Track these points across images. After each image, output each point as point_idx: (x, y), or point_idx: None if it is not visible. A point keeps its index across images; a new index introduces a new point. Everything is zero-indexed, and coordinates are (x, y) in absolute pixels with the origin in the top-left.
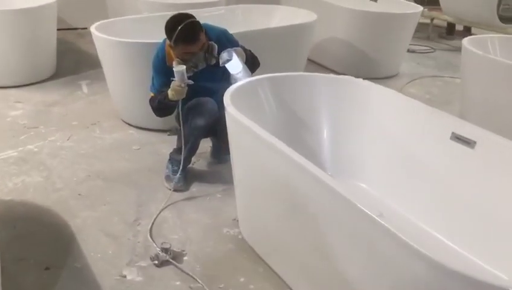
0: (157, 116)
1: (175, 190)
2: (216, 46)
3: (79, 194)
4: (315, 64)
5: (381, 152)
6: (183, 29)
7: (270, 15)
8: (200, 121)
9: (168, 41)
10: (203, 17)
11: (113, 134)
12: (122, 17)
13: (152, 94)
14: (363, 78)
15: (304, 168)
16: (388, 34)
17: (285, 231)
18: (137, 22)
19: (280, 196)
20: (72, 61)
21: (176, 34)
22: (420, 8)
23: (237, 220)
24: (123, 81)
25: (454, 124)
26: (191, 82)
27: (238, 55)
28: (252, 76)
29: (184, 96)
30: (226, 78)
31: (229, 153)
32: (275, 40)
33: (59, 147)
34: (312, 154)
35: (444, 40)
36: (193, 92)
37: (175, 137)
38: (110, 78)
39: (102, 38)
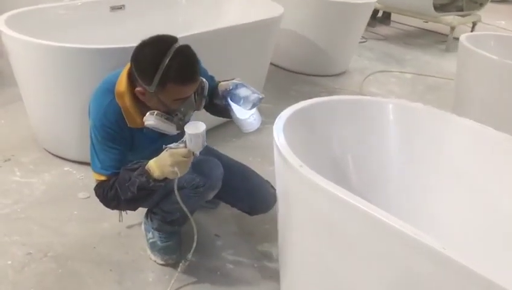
0: (118, 209)
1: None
2: (207, 83)
3: None
4: None
5: (462, 204)
6: (176, 59)
7: (218, 5)
8: (212, 194)
9: (124, 88)
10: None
11: (42, 175)
12: (42, 6)
13: (103, 177)
14: (313, 75)
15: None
16: (342, 26)
17: None
18: (62, 12)
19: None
20: None
21: (164, 69)
22: None
23: None
24: (52, 99)
25: None
26: (206, 143)
27: (250, 89)
28: None
29: (187, 169)
30: None
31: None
32: (241, 38)
33: None
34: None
35: (368, 27)
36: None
37: None
38: (29, 92)
39: (22, 40)
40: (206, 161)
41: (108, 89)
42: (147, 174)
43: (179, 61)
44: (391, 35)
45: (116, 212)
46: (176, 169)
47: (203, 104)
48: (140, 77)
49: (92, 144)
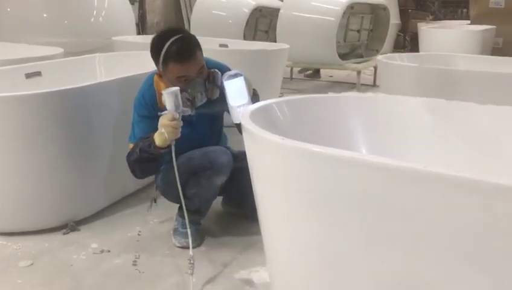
0: (136, 176)
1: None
2: (220, 74)
3: None
4: None
5: None
6: (175, 43)
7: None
8: (219, 180)
9: (157, 72)
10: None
11: None
12: None
13: (131, 145)
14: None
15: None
16: (263, 74)
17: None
18: None
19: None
20: None
21: (164, 50)
22: (286, 45)
23: None
24: None
25: None
26: (189, 112)
27: (247, 83)
28: None
29: (179, 135)
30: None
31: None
32: None
33: None
34: None
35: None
36: (182, 141)
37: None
38: None
39: None
40: (215, 149)
41: (151, 76)
42: (150, 141)
43: (177, 44)
44: (305, 89)
45: (63, 267)
46: (163, 130)
47: (217, 93)
48: (153, 58)
49: (132, 121)
